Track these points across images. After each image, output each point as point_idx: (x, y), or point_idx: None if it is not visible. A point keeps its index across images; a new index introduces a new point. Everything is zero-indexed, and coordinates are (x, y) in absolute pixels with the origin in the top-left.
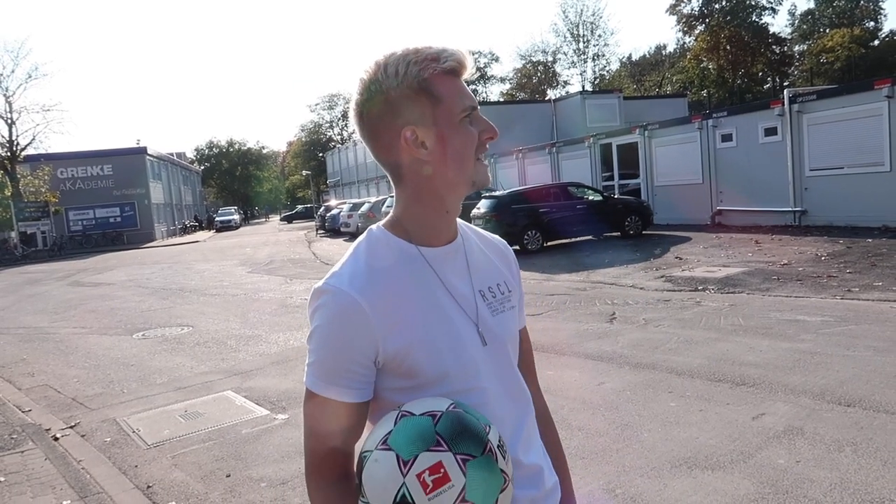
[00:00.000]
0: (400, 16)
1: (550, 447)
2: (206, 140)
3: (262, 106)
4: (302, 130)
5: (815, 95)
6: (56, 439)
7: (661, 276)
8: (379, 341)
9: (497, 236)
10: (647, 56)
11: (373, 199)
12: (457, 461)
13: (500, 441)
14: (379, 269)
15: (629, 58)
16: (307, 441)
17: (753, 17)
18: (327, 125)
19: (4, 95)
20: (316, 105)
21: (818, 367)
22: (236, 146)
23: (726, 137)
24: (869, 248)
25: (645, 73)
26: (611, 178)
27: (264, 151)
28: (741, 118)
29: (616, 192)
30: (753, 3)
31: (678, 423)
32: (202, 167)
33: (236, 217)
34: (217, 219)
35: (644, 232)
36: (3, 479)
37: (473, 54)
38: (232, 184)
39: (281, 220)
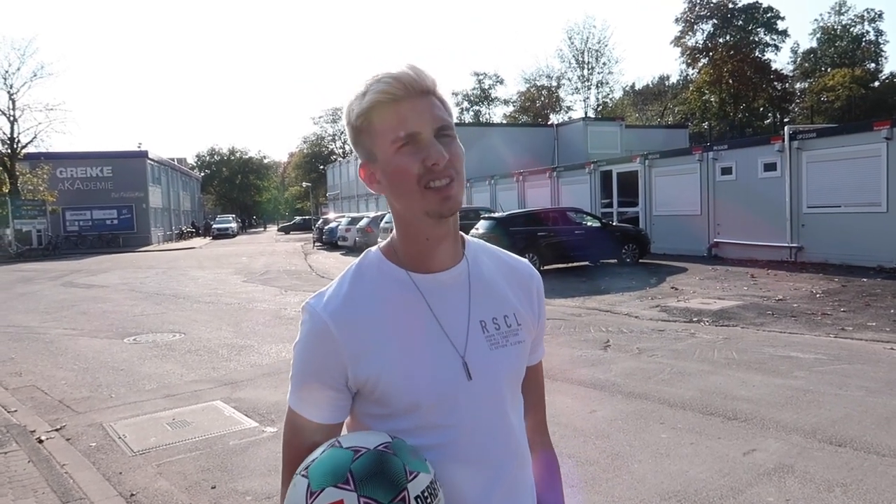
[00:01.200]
0: (405, 23)
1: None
2: (207, 147)
3: (266, 116)
4: (304, 142)
5: (815, 133)
6: (41, 441)
7: (657, 306)
8: (348, 366)
9: (524, 261)
10: (651, 86)
11: (371, 214)
12: (359, 503)
13: (426, 492)
14: (359, 294)
15: (632, 87)
16: (283, 450)
17: (756, 53)
18: (329, 138)
19: (8, 92)
20: (319, 118)
21: (810, 405)
22: (238, 154)
23: (726, 170)
24: (864, 288)
25: (647, 102)
26: (610, 205)
27: (265, 161)
28: (741, 152)
29: (615, 219)
30: (757, 39)
31: (669, 455)
32: (202, 174)
33: (234, 225)
34: (214, 226)
35: (641, 260)
36: None
37: (478, 76)
38: (231, 192)
39: (279, 230)
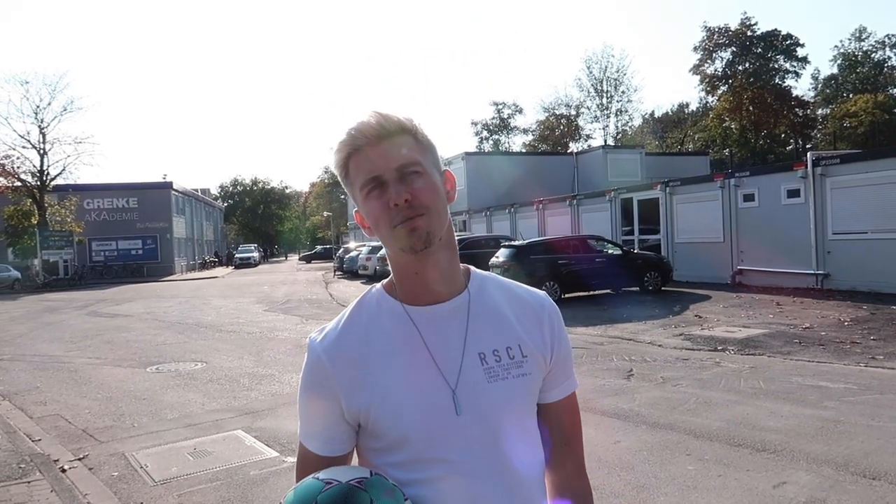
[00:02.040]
0: (414, 31)
1: None
2: (230, 177)
3: (287, 146)
4: (325, 172)
5: (839, 159)
6: (64, 471)
7: (681, 334)
8: (341, 399)
9: (538, 292)
10: (670, 113)
11: None
12: None
13: None
14: (354, 328)
15: (652, 114)
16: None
17: (777, 80)
18: None
19: (39, 126)
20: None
21: (842, 437)
22: (260, 185)
23: (748, 197)
24: (894, 315)
25: (667, 130)
26: (631, 232)
27: (287, 191)
28: (764, 178)
29: (636, 246)
30: (777, 66)
31: (696, 487)
32: (225, 204)
33: (256, 255)
34: (237, 255)
35: (663, 288)
36: None
37: (497, 105)
38: (253, 221)
39: (300, 259)
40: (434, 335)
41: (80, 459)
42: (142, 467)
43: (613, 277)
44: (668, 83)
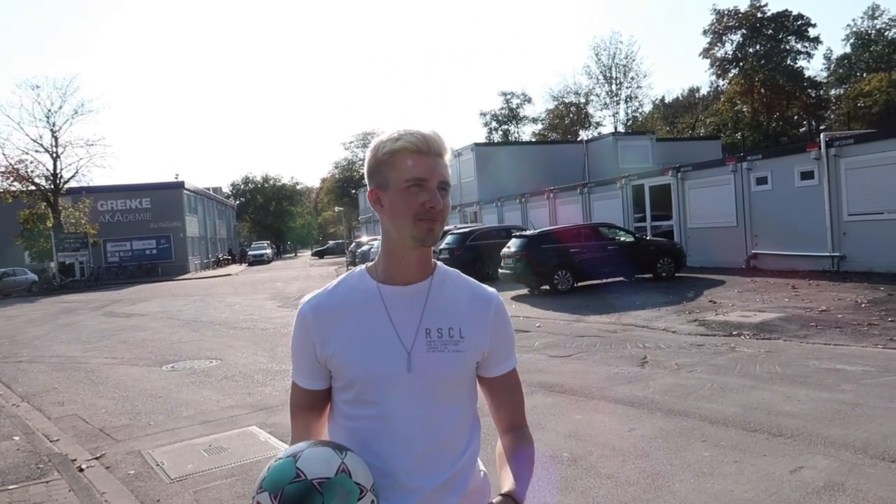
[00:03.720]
0: (415, 30)
1: (513, 459)
2: (242, 175)
3: (298, 143)
4: (335, 167)
5: (853, 140)
6: (81, 470)
7: (695, 320)
8: (316, 345)
9: (491, 291)
10: (681, 98)
11: None
12: None
13: None
14: (336, 295)
15: (662, 100)
16: None
17: (788, 61)
18: (360, 163)
19: (51, 130)
20: (350, 143)
21: (860, 420)
22: (271, 182)
23: (761, 180)
24: None
25: (678, 115)
26: (643, 219)
27: (298, 187)
28: (776, 161)
29: (648, 233)
30: (788, 47)
31: (712, 474)
32: (237, 202)
33: (269, 251)
34: (250, 253)
35: (677, 274)
36: None
37: (506, 95)
38: (266, 218)
39: (312, 255)
40: (397, 308)
41: (97, 458)
42: (158, 465)
43: (626, 265)
44: (678, 68)
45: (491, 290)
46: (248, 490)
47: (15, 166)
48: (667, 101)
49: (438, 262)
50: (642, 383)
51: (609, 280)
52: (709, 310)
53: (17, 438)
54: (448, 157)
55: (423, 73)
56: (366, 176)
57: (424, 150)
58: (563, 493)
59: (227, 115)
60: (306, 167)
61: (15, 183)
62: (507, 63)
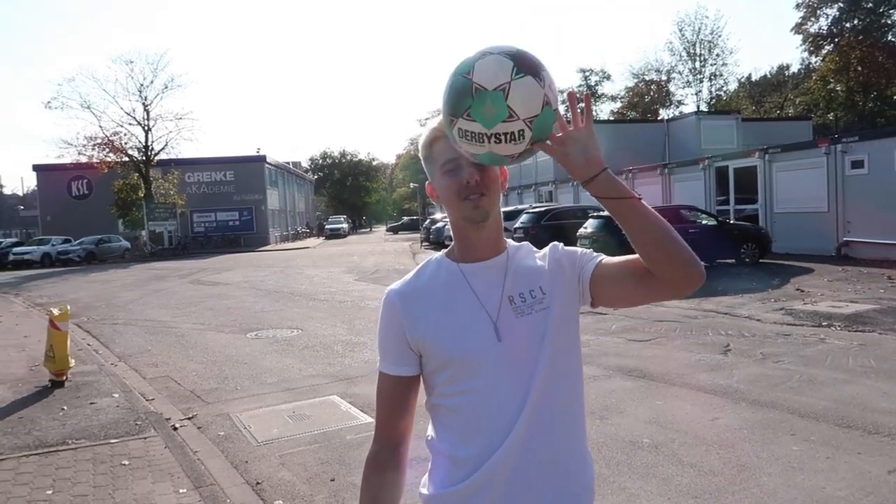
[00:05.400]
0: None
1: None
2: (320, 150)
3: (375, 119)
4: (411, 144)
5: None
6: (175, 429)
7: (781, 309)
8: (406, 330)
9: (554, 244)
10: (769, 76)
11: None
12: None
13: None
14: (420, 280)
15: (748, 78)
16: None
17: (889, 37)
18: None
19: (143, 104)
20: (425, 119)
21: None
22: (348, 157)
23: (857, 164)
24: None
25: (765, 93)
26: (726, 202)
27: (374, 163)
28: (875, 144)
29: (731, 217)
30: (890, 21)
31: (802, 469)
32: (316, 176)
33: (345, 226)
34: (327, 227)
35: (761, 260)
36: (127, 462)
37: (585, 72)
38: (342, 193)
39: (387, 230)
40: (480, 284)
41: (189, 419)
42: (245, 428)
43: (707, 249)
44: (767, 44)
45: (551, 244)
46: (331, 457)
47: (110, 138)
48: (753, 80)
49: (509, 240)
50: (725, 371)
51: None
52: (796, 298)
53: (116, 395)
54: None
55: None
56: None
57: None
58: (645, 479)
59: (307, 90)
60: (383, 143)
61: (110, 154)
62: (586, 38)
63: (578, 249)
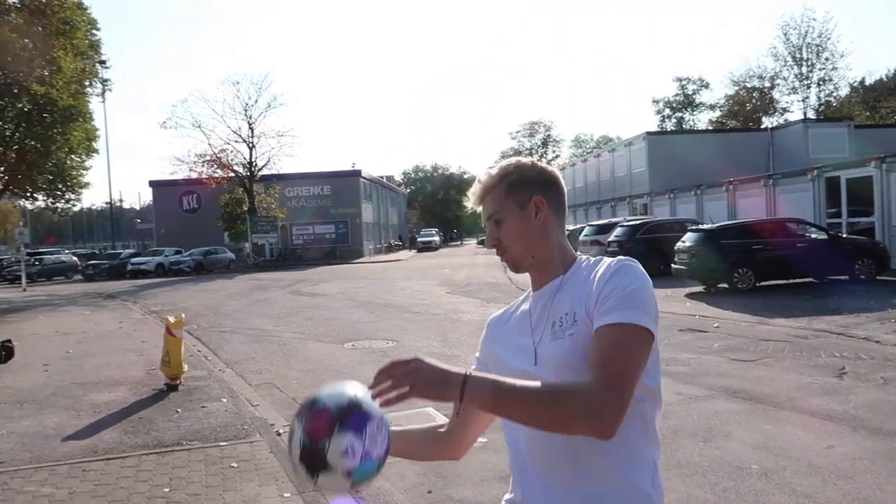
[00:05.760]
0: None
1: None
2: (413, 164)
3: (466, 133)
4: (501, 157)
5: None
6: (279, 435)
7: None
8: (479, 351)
9: (613, 258)
10: (885, 80)
11: (570, 228)
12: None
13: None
14: (512, 306)
15: (862, 82)
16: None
17: None
18: (526, 152)
19: (248, 122)
20: (517, 132)
21: None
22: (440, 171)
23: None
24: None
25: (881, 98)
26: (838, 214)
27: (465, 176)
28: None
29: (844, 230)
30: None
31: None
32: (408, 190)
33: (437, 238)
34: (419, 239)
35: (878, 277)
36: (235, 465)
37: (681, 81)
38: (434, 206)
39: (477, 243)
40: (536, 308)
41: None
42: None
43: (817, 264)
44: (883, 46)
45: (617, 258)
46: (428, 469)
47: (218, 155)
48: (868, 84)
49: (580, 255)
50: (841, 396)
51: (796, 280)
52: None
53: (224, 400)
54: (498, 185)
55: (592, 61)
56: None
57: (474, 202)
58: None
59: (401, 106)
60: (474, 156)
61: (218, 170)
62: (682, 47)
63: (616, 287)
